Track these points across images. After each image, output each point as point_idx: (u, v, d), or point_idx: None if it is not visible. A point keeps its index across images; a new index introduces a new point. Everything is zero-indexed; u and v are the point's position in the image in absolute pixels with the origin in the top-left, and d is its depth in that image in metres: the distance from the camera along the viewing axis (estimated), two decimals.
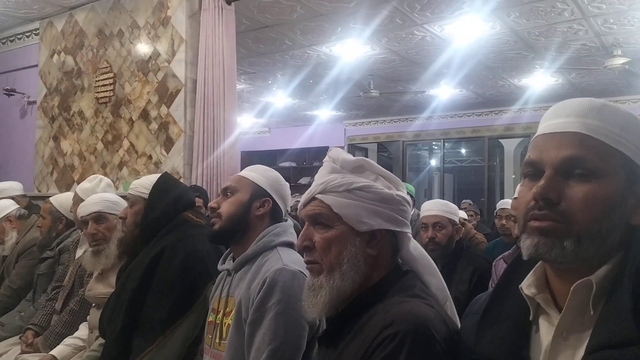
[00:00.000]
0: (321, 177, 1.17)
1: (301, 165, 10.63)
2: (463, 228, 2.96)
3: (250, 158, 9.99)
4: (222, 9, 3.80)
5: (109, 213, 2.27)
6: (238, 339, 1.47)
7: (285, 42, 5.24)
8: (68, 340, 2.29)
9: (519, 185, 0.89)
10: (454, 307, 1.15)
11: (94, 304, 2.29)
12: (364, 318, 1.05)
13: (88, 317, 2.29)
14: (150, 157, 4.04)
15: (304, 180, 9.90)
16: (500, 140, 9.28)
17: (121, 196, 2.47)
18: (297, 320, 1.41)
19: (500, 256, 2.47)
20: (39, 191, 4.67)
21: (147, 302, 1.76)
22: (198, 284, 1.76)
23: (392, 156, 10.04)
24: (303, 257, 1.19)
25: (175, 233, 1.86)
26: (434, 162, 11.28)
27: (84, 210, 2.26)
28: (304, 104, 8.36)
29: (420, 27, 4.70)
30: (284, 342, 1.39)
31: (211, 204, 1.63)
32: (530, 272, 0.87)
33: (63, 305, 2.52)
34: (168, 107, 3.94)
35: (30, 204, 3.91)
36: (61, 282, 2.69)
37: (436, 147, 10.68)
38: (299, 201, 1.26)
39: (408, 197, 1.17)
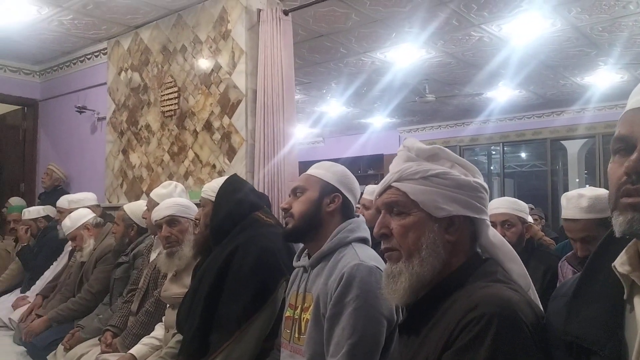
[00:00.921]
0: (396, 166, 1.19)
1: (355, 173, 10.36)
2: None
3: (305, 168, 9.91)
4: (279, 20, 3.89)
5: (181, 216, 2.36)
6: (317, 333, 1.50)
7: (339, 51, 5.29)
8: (145, 339, 2.39)
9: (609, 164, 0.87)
10: (537, 294, 1.13)
11: (168, 305, 2.37)
12: (447, 304, 1.05)
13: (164, 317, 2.38)
14: (214, 166, 4.16)
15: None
16: (562, 142, 8.95)
17: None
18: (375, 316, 1.43)
19: (564, 257, 2.37)
20: (110, 202, 4.90)
21: (223, 299, 1.81)
22: (271, 280, 1.81)
23: None
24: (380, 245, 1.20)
25: (247, 232, 1.92)
26: (493, 167, 11.03)
27: (158, 214, 2.36)
28: (357, 112, 8.39)
29: (477, 27, 4.63)
30: (363, 336, 1.40)
31: (282, 205, 1.68)
32: (623, 251, 0.85)
33: (139, 307, 2.63)
34: (230, 117, 4.06)
35: (104, 214, 4.10)
36: (136, 285, 2.81)
37: (494, 152, 10.44)
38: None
39: (486, 185, 1.16)
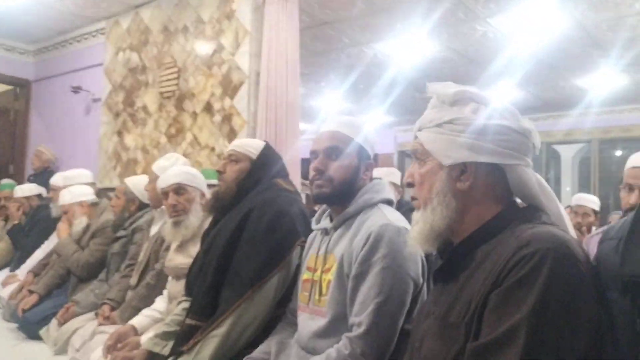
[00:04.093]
0: (423, 114, 1.16)
1: None
2: None
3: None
4: (286, 1, 3.83)
5: (189, 185, 2.28)
6: (340, 293, 1.45)
7: (342, 40, 5.25)
8: (146, 311, 2.30)
9: None
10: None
11: (171, 277, 2.29)
12: (488, 247, 1.01)
13: (167, 287, 2.30)
14: (213, 149, 4.08)
15: None
16: (557, 148, 8.93)
17: None
18: (402, 276, 1.39)
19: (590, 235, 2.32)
20: (101, 184, 4.78)
21: (236, 259, 1.75)
22: (286, 242, 1.75)
23: None
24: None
25: (264, 194, 1.86)
26: None
27: (165, 181, 2.27)
28: (354, 108, 8.34)
29: (482, 21, 4.61)
30: (390, 296, 1.36)
31: (316, 165, 1.57)
32: None
33: (138, 280, 2.54)
34: (232, 99, 3.98)
35: (99, 193, 4.00)
36: (135, 260, 2.72)
37: None
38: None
39: (524, 127, 1.09)
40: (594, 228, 3.75)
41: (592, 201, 3.80)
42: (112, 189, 3.77)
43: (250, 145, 2.02)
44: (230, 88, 3.98)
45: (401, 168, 9.40)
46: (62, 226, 3.26)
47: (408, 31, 4.91)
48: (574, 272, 0.88)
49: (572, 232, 1.09)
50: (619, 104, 7.20)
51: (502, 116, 1.09)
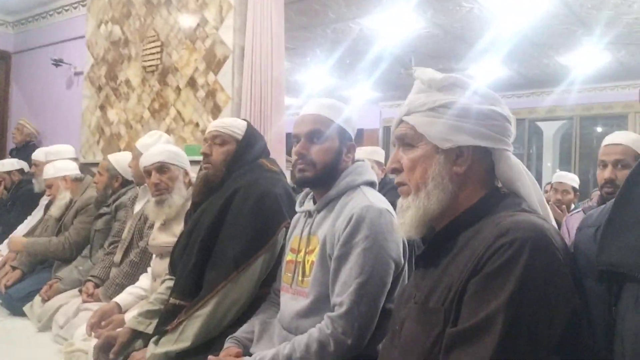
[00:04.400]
0: (407, 99, 1.15)
1: None
2: None
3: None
4: None
5: (172, 164, 2.28)
6: (323, 274, 1.47)
7: (328, 15, 5.20)
8: (130, 289, 2.32)
9: None
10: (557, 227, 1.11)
11: (155, 255, 2.30)
12: (469, 234, 1.03)
13: (151, 265, 2.31)
14: (197, 124, 4.04)
15: None
16: (539, 125, 9.02)
17: None
18: (383, 257, 1.41)
19: (571, 212, 2.37)
20: (85, 159, 4.74)
21: (221, 239, 1.77)
22: (271, 223, 1.76)
23: None
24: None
25: (249, 175, 1.86)
26: None
27: (147, 160, 2.26)
28: (340, 83, 8.30)
29: None
30: (371, 276, 1.38)
31: (298, 149, 1.57)
32: None
33: (122, 258, 2.55)
34: (215, 74, 3.94)
35: (82, 168, 3.97)
36: (119, 237, 2.73)
37: None
38: None
39: (507, 113, 1.11)
40: (572, 206, 3.84)
41: (572, 179, 3.89)
42: (96, 164, 3.74)
43: (234, 125, 1.99)
44: (214, 63, 3.94)
45: (386, 143, 9.43)
46: (13, 241, 3.23)
47: (394, 6, 4.88)
48: (552, 260, 0.90)
49: (552, 220, 1.10)
50: (601, 81, 7.27)
51: (490, 102, 1.10)
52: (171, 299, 1.81)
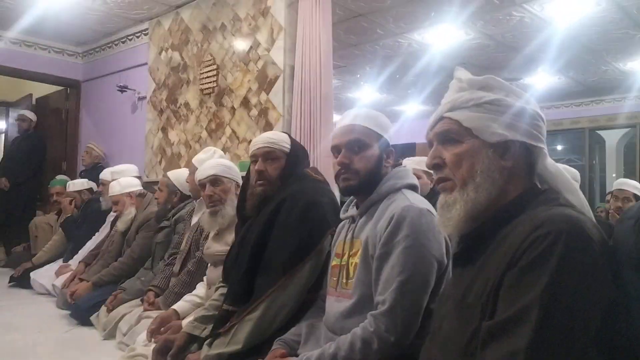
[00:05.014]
0: (447, 98, 1.18)
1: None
2: None
3: None
4: None
5: (224, 176, 2.41)
6: (366, 275, 1.51)
7: (376, 32, 5.27)
8: (187, 297, 2.45)
9: None
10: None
11: (210, 263, 2.42)
12: (506, 230, 1.03)
13: (207, 273, 2.43)
14: (250, 142, 4.20)
15: None
16: (601, 134, 8.65)
17: None
18: (425, 255, 1.42)
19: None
20: (148, 178, 5.01)
21: (269, 247, 1.84)
22: (317, 231, 1.82)
23: None
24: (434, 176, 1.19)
25: (295, 185, 1.94)
26: None
27: (202, 173, 2.40)
28: (390, 98, 8.34)
29: (519, 7, 4.55)
30: (413, 274, 1.40)
31: (341, 159, 1.62)
32: None
33: (181, 268, 2.69)
34: (267, 93, 4.09)
35: (144, 187, 4.20)
36: (178, 249, 2.87)
37: None
38: None
39: (542, 113, 1.15)
40: None
41: (634, 186, 3.75)
42: (158, 183, 3.97)
43: (281, 139, 2.05)
44: (266, 83, 4.10)
45: None
46: (79, 291, 3.25)
47: (443, 20, 4.90)
48: (587, 252, 0.90)
49: (591, 214, 1.10)
50: None
51: (527, 102, 1.14)
52: (224, 305, 1.90)
